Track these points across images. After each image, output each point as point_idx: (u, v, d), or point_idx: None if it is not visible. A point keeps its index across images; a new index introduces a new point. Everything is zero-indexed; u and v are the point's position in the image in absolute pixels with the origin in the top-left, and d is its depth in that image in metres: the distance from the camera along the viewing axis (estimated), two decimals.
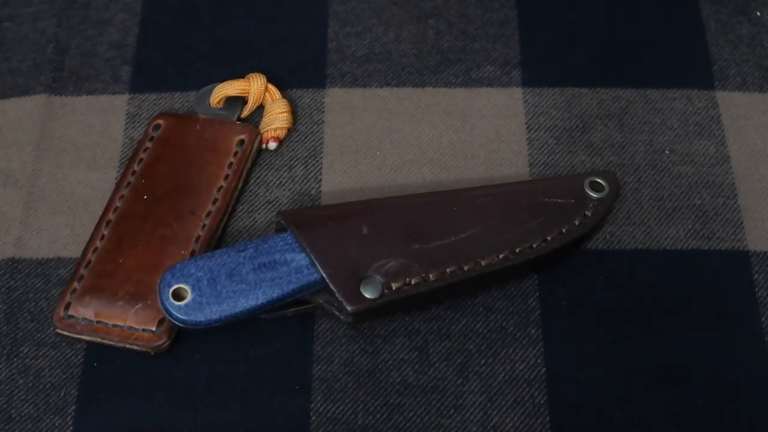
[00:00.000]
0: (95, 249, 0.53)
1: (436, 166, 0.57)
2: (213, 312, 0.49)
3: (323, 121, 0.58)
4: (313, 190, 0.56)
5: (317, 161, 0.57)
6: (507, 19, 0.62)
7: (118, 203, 0.55)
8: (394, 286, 0.50)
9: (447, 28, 0.62)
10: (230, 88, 0.58)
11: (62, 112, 0.59)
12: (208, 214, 0.54)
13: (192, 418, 0.50)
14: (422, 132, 0.58)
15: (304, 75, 0.60)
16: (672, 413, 0.50)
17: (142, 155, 0.56)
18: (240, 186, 0.56)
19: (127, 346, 0.51)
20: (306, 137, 0.58)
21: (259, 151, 0.58)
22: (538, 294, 0.53)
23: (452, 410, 0.50)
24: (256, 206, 0.56)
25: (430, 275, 0.50)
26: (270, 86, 0.58)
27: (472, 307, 0.53)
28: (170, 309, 0.49)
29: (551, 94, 0.59)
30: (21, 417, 0.50)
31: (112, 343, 0.51)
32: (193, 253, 0.53)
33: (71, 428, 0.50)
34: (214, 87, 0.59)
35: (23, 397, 0.51)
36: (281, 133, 0.58)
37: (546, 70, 0.60)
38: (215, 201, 0.54)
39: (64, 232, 0.55)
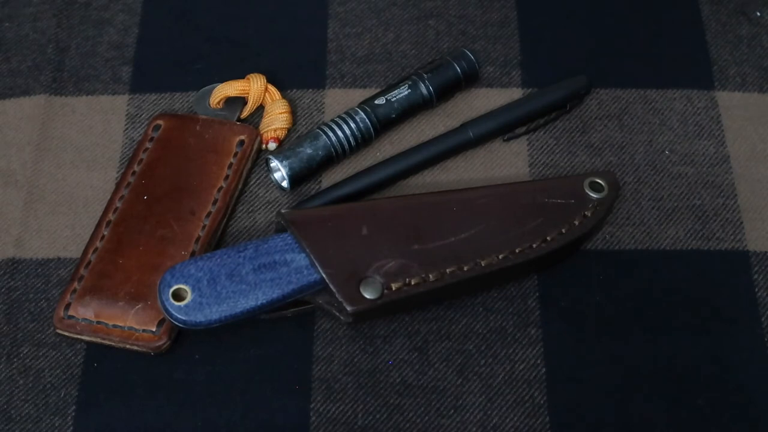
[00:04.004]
0: (95, 249, 0.53)
1: (436, 166, 0.57)
2: (213, 312, 0.49)
3: (323, 122, 0.58)
4: (313, 190, 0.56)
5: None
6: (507, 20, 0.62)
7: (118, 203, 0.55)
8: (393, 286, 0.50)
9: (447, 29, 0.62)
10: (230, 88, 0.58)
11: (62, 112, 0.59)
12: (208, 214, 0.54)
13: (192, 418, 0.50)
14: (422, 132, 0.58)
15: (304, 75, 0.60)
16: (672, 413, 0.50)
17: (142, 155, 0.56)
18: (240, 186, 0.56)
19: (128, 346, 0.51)
20: None
21: (259, 151, 0.58)
22: (537, 294, 0.53)
23: (452, 410, 0.50)
24: (256, 207, 0.56)
25: (430, 275, 0.50)
26: (270, 87, 0.58)
27: (471, 307, 0.53)
28: (170, 309, 0.49)
29: None
30: (21, 417, 0.50)
31: (112, 343, 0.51)
32: (193, 254, 0.53)
33: (71, 428, 0.50)
34: (214, 87, 0.59)
35: (23, 397, 0.51)
36: (281, 134, 0.58)
37: (546, 70, 0.60)
38: (215, 201, 0.54)
39: (64, 232, 0.55)
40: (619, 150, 0.57)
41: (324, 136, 0.56)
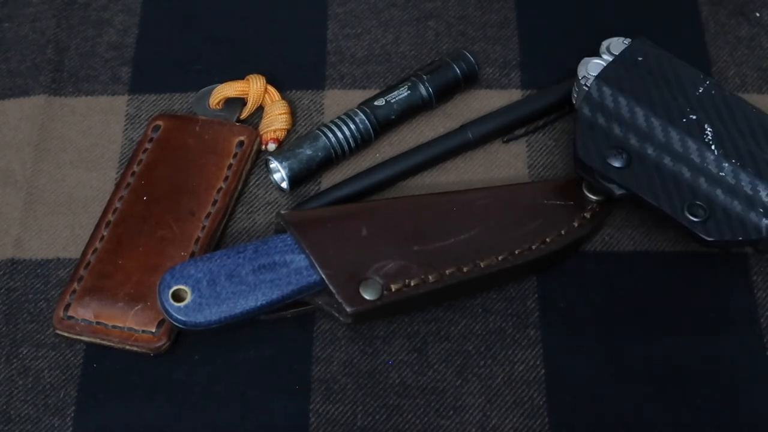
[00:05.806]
0: (95, 250, 0.53)
1: (436, 167, 0.57)
2: (212, 313, 0.49)
3: (322, 123, 0.58)
4: (313, 191, 0.56)
5: None
6: (506, 21, 0.62)
7: (117, 204, 0.55)
8: (393, 287, 0.50)
9: (446, 30, 0.62)
10: (230, 89, 0.58)
11: (61, 112, 0.59)
12: (208, 215, 0.54)
13: (192, 419, 0.50)
14: (421, 134, 0.58)
15: (304, 76, 0.60)
16: (671, 413, 0.50)
17: (142, 156, 0.56)
18: (239, 187, 0.56)
19: (127, 347, 0.51)
20: None
21: (259, 152, 0.58)
22: (537, 295, 0.53)
23: (451, 411, 0.50)
24: (256, 207, 0.56)
25: (430, 277, 0.50)
26: (269, 87, 0.59)
27: (471, 308, 0.53)
28: (170, 310, 0.49)
29: None
30: (20, 418, 0.50)
31: (112, 344, 0.51)
32: (192, 255, 0.53)
33: (71, 429, 0.50)
34: (214, 88, 0.59)
35: (23, 397, 0.51)
36: (281, 135, 0.58)
37: (545, 71, 0.60)
38: (215, 202, 0.54)
39: (63, 232, 0.55)
40: None
41: (323, 137, 0.56)
